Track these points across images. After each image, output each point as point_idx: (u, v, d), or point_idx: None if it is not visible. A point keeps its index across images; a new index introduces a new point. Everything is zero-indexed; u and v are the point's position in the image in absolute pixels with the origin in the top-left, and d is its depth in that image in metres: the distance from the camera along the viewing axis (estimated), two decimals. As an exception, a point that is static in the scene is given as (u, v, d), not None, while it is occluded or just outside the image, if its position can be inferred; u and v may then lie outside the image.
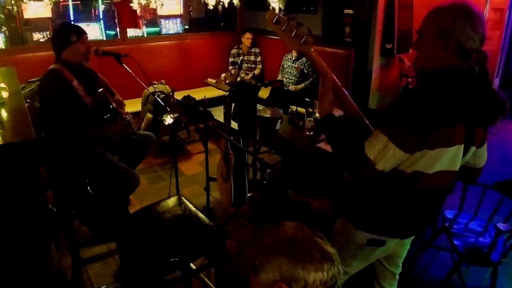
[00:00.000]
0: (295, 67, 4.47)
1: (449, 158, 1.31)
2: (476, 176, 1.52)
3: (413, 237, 1.59)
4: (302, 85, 4.42)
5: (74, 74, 2.40)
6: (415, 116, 1.19)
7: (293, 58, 4.50)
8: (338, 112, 1.43)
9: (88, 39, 2.48)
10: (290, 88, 4.43)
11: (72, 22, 5.46)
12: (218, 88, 4.82)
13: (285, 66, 4.62)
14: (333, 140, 1.39)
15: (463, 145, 1.31)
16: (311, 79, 4.39)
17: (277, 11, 4.86)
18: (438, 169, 1.31)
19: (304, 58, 4.40)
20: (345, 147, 1.33)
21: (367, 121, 1.48)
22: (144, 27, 5.79)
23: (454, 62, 1.26)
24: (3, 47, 4.31)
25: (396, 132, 1.21)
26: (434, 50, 1.27)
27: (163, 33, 5.22)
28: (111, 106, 2.54)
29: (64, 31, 2.42)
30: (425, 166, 1.29)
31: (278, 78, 4.71)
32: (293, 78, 4.51)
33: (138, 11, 5.24)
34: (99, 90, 2.51)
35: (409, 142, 1.22)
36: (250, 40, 5.19)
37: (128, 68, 2.54)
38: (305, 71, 4.42)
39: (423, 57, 1.33)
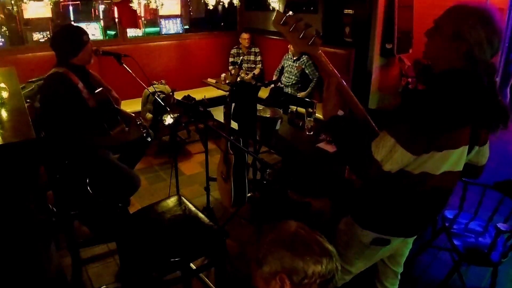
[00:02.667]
0: (296, 66, 4.47)
1: (455, 159, 1.32)
2: (478, 173, 1.53)
3: (415, 236, 1.60)
4: (308, 89, 4.44)
5: (79, 76, 2.39)
6: (423, 119, 1.19)
7: (294, 58, 4.50)
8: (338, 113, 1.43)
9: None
10: (298, 95, 4.43)
11: (72, 22, 5.47)
12: (218, 88, 4.82)
13: (285, 66, 4.61)
14: (339, 141, 1.38)
15: (467, 145, 1.32)
16: (315, 79, 4.40)
17: (279, 10, 4.87)
18: (444, 170, 1.31)
19: (304, 58, 4.40)
20: (351, 148, 1.32)
21: (373, 123, 1.48)
22: (144, 27, 5.79)
23: (461, 65, 1.25)
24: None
25: (404, 134, 1.21)
26: (445, 48, 1.26)
27: (163, 33, 5.21)
28: (110, 104, 2.54)
29: (75, 34, 2.39)
30: (433, 168, 1.30)
31: (274, 79, 4.71)
32: (294, 77, 4.51)
33: (138, 11, 5.24)
34: (99, 90, 2.51)
35: (417, 144, 1.21)
36: (247, 40, 5.20)
37: (128, 68, 2.54)
38: (306, 71, 4.42)
39: (433, 50, 1.31)
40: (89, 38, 2.42)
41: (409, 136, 1.20)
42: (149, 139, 2.64)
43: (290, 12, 1.43)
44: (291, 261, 0.96)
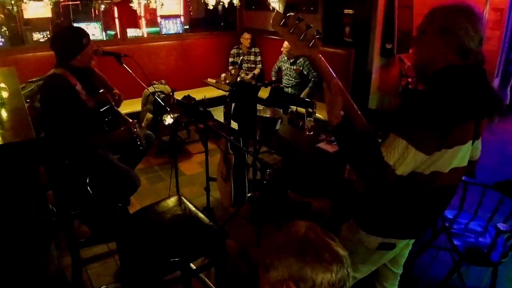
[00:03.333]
0: (293, 69, 4.46)
1: (463, 154, 1.32)
2: (473, 168, 1.53)
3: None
4: (306, 90, 4.44)
5: (77, 77, 2.38)
6: (434, 117, 1.18)
7: (290, 61, 4.50)
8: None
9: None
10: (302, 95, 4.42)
11: (72, 22, 5.47)
12: (218, 88, 4.82)
13: (283, 68, 4.61)
14: (348, 150, 1.34)
15: (471, 140, 1.33)
16: (313, 79, 4.39)
17: (278, 11, 4.87)
18: (453, 167, 1.32)
19: (302, 59, 4.39)
20: (361, 156, 1.29)
21: (370, 128, 1.47)
22: (144, 27, 5.79)
23: (455, 61, 1.26)
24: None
25: (415, 134, 1.20)
26: (435, 47, 1.27)
27: (163, 33, 5.21)
28: (110, 105, 2.53)
29: (75, 36, 2.37)
30: (443, 166, 1.29)
31: (272, 79, 4.71)
32: (293, 79, 4.51)
33: (138, 11, 5.23)
34: (100, 91, 2.51)
35: (429, 143, 1.21)
36: (249, 40, 5.20)
37: (128, 68, 2.54)
38: (305, 72, 4.42)
39: (424, 53, 1.32)
40: (89, 41, 2.40)
41: (421, 136, 1.19)
42: (141, 148, 2.63)
43: (291, 13, 1.39)
44: (299, 269, 0.90)
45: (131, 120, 2.65)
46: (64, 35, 2.42)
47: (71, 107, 2.30)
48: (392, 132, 1.24)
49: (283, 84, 4.59)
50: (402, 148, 1.20)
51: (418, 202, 1.38)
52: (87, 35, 2.41)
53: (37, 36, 4.73)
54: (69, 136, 2.31)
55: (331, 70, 1.40)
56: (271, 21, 1.38)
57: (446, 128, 1.20)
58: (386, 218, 1.43)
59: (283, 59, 4.61)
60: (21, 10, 4.37)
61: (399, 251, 1.60)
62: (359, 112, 1.45)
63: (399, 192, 1.36)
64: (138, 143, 2.58)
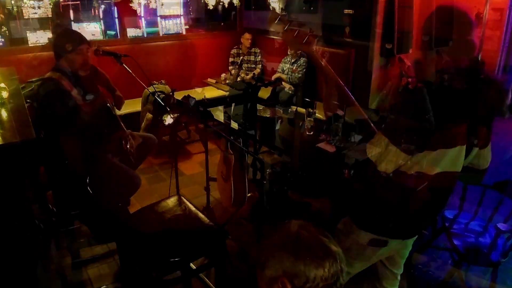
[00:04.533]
0: (292, 69, 4.49)
1: (451, 159, 1.32)
2: (480, 177, 1.53)
3: (415, 238, 1.59)
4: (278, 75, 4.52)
5: (73, 82, 2.35)
6: (415, 118, 1.20)
7: (292, 61, 4.52)
8: (337, 112, 1.43)
9: (88, 49, 2.39)
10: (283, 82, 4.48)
11: (72, 22, 5.46)
12: (218, 88, 4.82)
13: (285, 69, 4.63)
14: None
15: (465, 146, 1.32)
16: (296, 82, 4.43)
17: (277, 11, 4.88)
18: (440, 170, 1.31)
19: (301, 60, 4.41)
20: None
21: (371, 123, 1.48)
22: (144, 27, 5.79)
23: (444, 61, 1.28)
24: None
25: (397, 134, 1.22)
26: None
27: (162, 33, 5.21)
28: (107, 107, 2.53)
29: (61, 39, 2.37)
30: (427, 167, 1.30)
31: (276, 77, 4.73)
32: (292, 80, 4.52)
33: (138, 11, 5.23)
34: (97, 95, 2.50)
35: (410, 144, 1.22)
36: (249, 41, 5.20)
37: (128, 68, 2.54)
38: (298, 75, 4.44)
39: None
40: (79, 48, 2.33)
41: (401, 136, 1.22)
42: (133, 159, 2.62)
43: (284, 13, 1.47)
44: (292, 265, 0.93)
45: (126, 130, 2.60)
46: (57, 35, 2.48)
47: (64, 113, 2.28)
48: (379, 130, 1.28)
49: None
50: (384, 145, 1.24)
51: (405, 202, 1.39)
52: (74, 41, 2.34)
53: (37, 36, 4.73)
54: (59, 140, 2.30)
55: (328, 65, 1.47)
56: (268, 20, 1.47)
57: (427, 131, 1.21)
58: (376, 215, 1.44)
59: (286, 59, 4.63)
60: (21, 10, 4.38)
61: (395, 251, 1.60)
62: (356, 103, 1.48)
63: (386, 190, 1.38)
64: (132, 158, 2.56)
